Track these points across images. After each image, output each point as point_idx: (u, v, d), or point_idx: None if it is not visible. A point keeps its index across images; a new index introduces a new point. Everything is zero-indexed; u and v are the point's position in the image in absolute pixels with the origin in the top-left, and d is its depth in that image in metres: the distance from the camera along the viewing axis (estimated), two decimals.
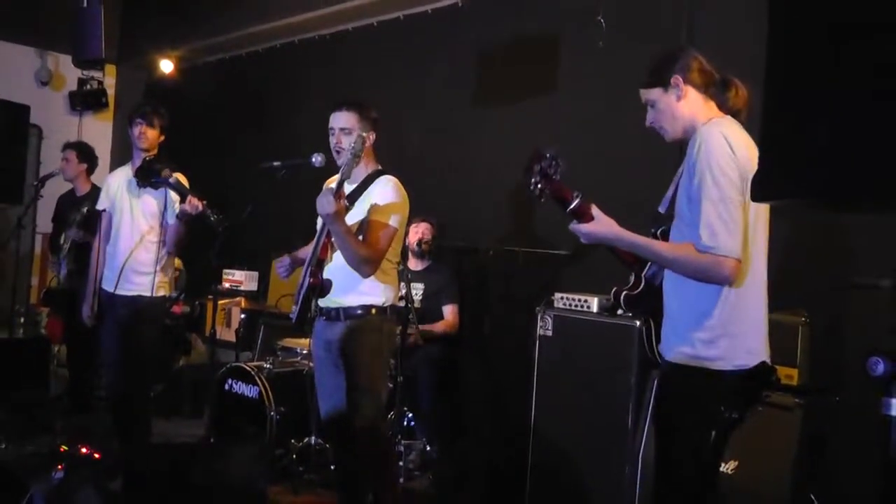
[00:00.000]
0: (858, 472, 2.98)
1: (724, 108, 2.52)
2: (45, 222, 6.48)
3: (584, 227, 2.50)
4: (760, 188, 1.67)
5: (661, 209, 2.52)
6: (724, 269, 2.29)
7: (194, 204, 4.05)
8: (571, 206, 2.53)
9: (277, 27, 6.61)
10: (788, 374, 3.29)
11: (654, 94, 2.52)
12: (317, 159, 3.51)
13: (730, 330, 2.36)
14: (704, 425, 2.35)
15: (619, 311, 3.97)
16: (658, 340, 2.58)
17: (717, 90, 2.53)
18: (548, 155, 2.59)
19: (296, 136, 6.07)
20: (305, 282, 3.39)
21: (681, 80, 2.47)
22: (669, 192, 2.50)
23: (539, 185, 2.59)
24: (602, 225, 2.50)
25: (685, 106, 2.49)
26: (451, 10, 5.62)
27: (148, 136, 4.44)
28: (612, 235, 2.49)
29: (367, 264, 3.34)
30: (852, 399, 3.05)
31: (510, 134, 5.23)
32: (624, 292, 2.65)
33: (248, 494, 3.75)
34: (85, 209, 5.32)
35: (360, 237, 3.34)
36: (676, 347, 2.43)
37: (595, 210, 2.52)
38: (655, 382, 2.68)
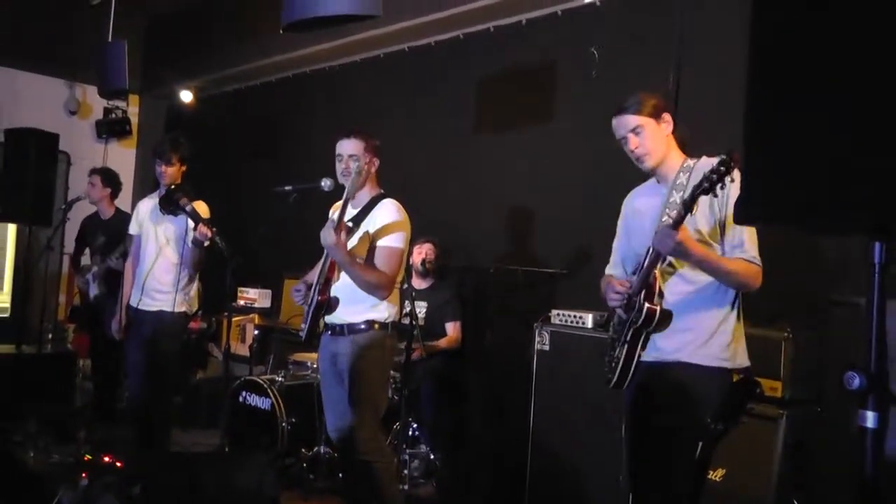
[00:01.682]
0: (838, 480, 2.96)
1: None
2: (71, 244, 6.50)
3: (679, 236, 2.44)
4: (743, 211, 1.68)
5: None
6: (759, 278, 2.55)
7: (203, 232, 4.17)
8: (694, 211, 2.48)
9: (289, 59, 6.63)
10: (773, 387, 3.29)
11: (644, 121, 2.64)
12: (326, 183, 3.53)
13: (737, 334, 2.61)
14: (697, 430, 2.34)
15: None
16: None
17: (678, 140, 2.75)
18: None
19: (306, 161, 6.09)
20: (314, 300, 3.40)
21: (669, 117, 2.67)
22: (673, 213, 2.50)
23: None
24: (689, 238, 2.49)
25: (669, 140, 2.68)
26: (453, 42, 5.65)
27: (167, 173, 4.56)
28: (692, 250, 2.48)
29: (380, 289, 3.36)
30: (833, 410, 3.04)
31: (510, 159, 5.25)
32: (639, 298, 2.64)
33: (261, 500, 3.74)
34: (102, 240, 5.38)
35: (366, 260, 3.36)
36: (698, 351, 2.57)
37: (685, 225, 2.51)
38: (635, 387, 2.68)
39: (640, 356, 2.63)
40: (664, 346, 2.61)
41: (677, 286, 2.61)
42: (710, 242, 2.56)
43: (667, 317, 2.57)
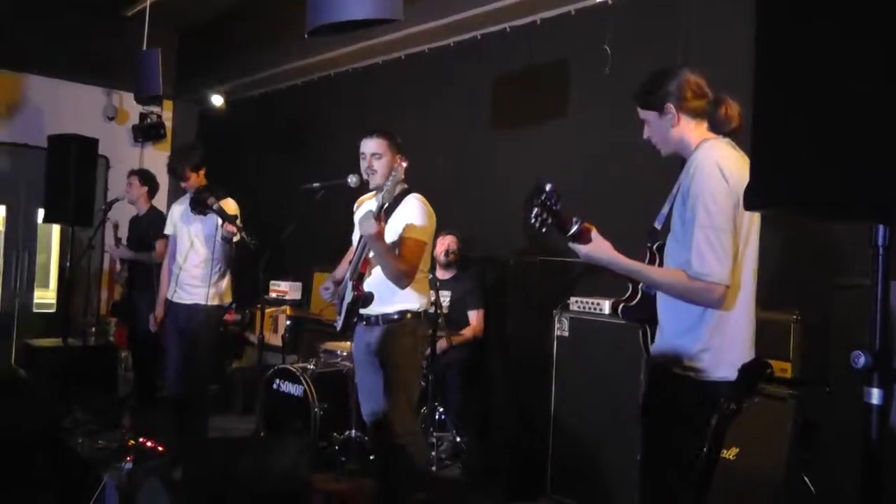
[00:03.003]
0: (847, 456, 2.95)
1: (716, 125, 2.44)
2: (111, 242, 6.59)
3: (583, 249, 2.40)
4: (751, 198, 1.68)
5: (657, 225, 2.46)
6: (713, 294, 2.23)
7: (230, 229, 4.29)
8: (571, 232, 2.41)
9: (314, 62, 6.66)
10: (782, 368, 3.27)
11: (649, 115, 2.50)
12: (352, 180, 3.55)
13: (713, 344, 2.30)
14: (690, 430, 2.29)
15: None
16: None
17: (709, 109, 2.44)
18: (547, 188, 2.44)
19: (332, 159, 6.12)
20: (348, 294, 3.43)
21: (673, 108, 2.42)
22: (665, 209, 2.44)
23: (541, 217, 2.42)
24: (598, 248, 2.39)
25: (677, 130, 2.45)
26: (471, 42, 5.65)
27: (188, 183, 4.69)
28: (606, 259, 2.39)
29: (404, 277, 3.37)
30: (840, 389, 3.02)
31: (527, 153, 5.24)
32: (622, 304, 2.59)
33: (295, 483, 3.78)
34: (136, 232, 5.46)
35: (396, 252, 3.38)
36: (667, 355, 2.39)
37: (594, 234, 2.42)
38: (646, 377, 2.63)
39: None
40: (653, 347, 2.50)
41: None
42: (681, 239, 2.34)
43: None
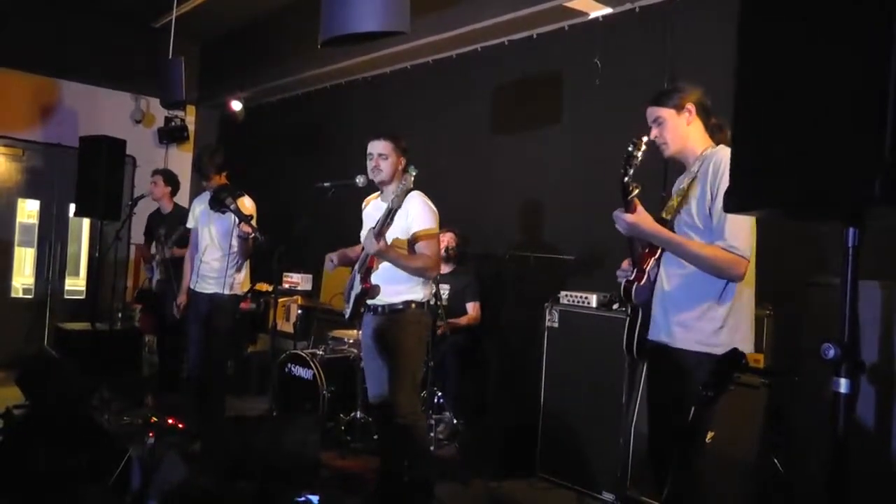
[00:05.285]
0: (814, 442, 2.94)
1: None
2: (137, 235, 6.59)
3: (630, 218, 2.39)
4: (730, 200, 1.67)
5: (666, 215, 2.45)
6: (740, 267, 2.33)
7: (245, 229, 4.32)
8: (628, 197, 2.42)
9: (328, 71, 6.64)
10: (756, 359, 3.26)
11: (665, 112, 2.51)
12: (360, 180, 3.54)
13: (730, 322, 2.37)
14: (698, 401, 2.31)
15: (615, 305, 3.96)
16: (643, 328, 2.56)
17: (711, 129, 2.54)
18: (630, 148, 2.43)
19: (344, 161, 6.09)
20: (356, 287, 3.42)
21: (694, 108, 2.50)
22: (672, 202, 2.45)
23: (624, 168, 2.43)
24: (643, 220, 2.41)
25: (690, 130, 2.51)
26: (472, 54, 5.64)
27: (210, 183, 4.71)
28: (648, 230, 2.42)
29: (428, 270, 3.40)
30: (809, 380, 3.02)
31: (523, 157, 5.24)
32: (635, 284, 2.56)
33: (304, 459, 3.79)
34: (163, 231, 5.46)
35: (406, 248, 3.37)
36: (684, 335, 2.41)
37: (640, 206, 2.44)
38: (645, 365, 2.61)
39: None
40: (662, 331, 2.49)
41: (672, 272, 2.48)
42: (697, 225, 2.40)
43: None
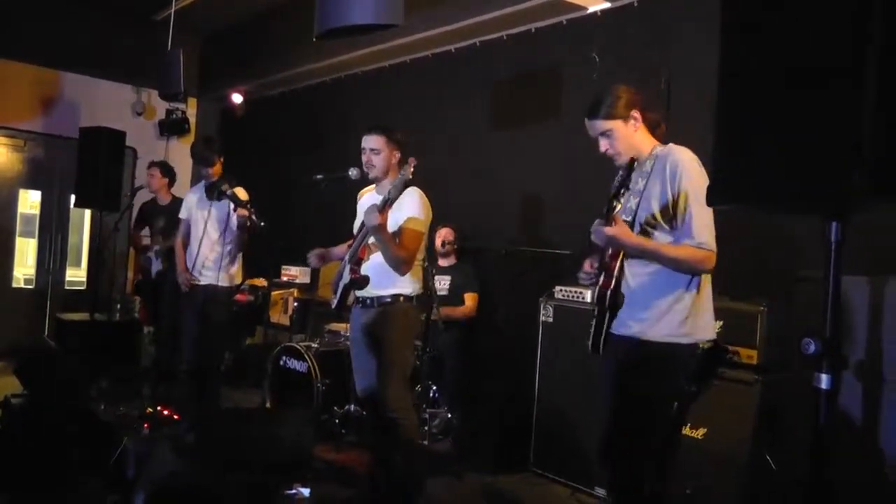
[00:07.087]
0: (806, 438, 2.93)
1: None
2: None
3: (609, 231, 2.39)
4: (713, 194, 1.66)
5: (626, 217, 2.44)
6: (711, 261, 2.37)
7: (242, 213, 4.32)
8: (610, 210, 2.44)
9: (327, 65, 6.64)
10: (749, 355, 3.24)
11: (613, 125, 2.51)
12: (353, 172, 3.53)
13: (693, 311, 2.40)
14: (671, 395, 2.32)
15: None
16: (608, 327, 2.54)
17: (651, 126, 2.57)
18: (621, 171, 2.49)
19: (343, 155, 6.05)
20: (346, 276, 3.41)
21: (639, 114, 2.51)
22: (631, 203, 2.44)
23: (622, 192, 2.47)
24: (622, 231, 2.41)
25: (637, 135, 2.53)
26: (471, 48, 5.62)
27: (209, 172, 4.73)
28: (627, 241, 2.41)
29: (403, 264, 3.36)
30: (802, 376, 2.99)
31: (521, 152, 5.22)
32: (608, 290, 2.53)
33: (298, 451, 3.78)
34: (162, 222, 5.46)
35: (397, 241, 3.36)
36: (652, 328, 2.42)
37: (619, 219, 2.45)
38: (611, 359, 2.57)
39: None
40: (631, 325, 2.48)
41: (637, 272, 2.48)
42: (662, 224, 2.41)
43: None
